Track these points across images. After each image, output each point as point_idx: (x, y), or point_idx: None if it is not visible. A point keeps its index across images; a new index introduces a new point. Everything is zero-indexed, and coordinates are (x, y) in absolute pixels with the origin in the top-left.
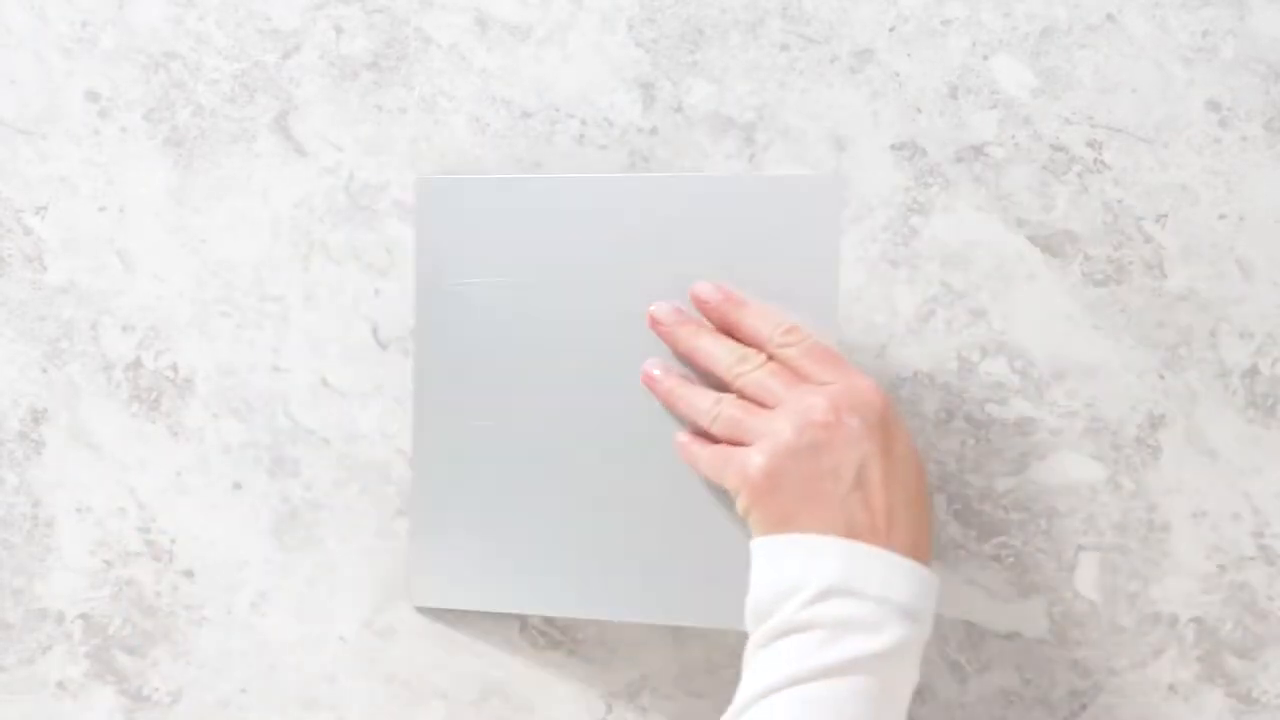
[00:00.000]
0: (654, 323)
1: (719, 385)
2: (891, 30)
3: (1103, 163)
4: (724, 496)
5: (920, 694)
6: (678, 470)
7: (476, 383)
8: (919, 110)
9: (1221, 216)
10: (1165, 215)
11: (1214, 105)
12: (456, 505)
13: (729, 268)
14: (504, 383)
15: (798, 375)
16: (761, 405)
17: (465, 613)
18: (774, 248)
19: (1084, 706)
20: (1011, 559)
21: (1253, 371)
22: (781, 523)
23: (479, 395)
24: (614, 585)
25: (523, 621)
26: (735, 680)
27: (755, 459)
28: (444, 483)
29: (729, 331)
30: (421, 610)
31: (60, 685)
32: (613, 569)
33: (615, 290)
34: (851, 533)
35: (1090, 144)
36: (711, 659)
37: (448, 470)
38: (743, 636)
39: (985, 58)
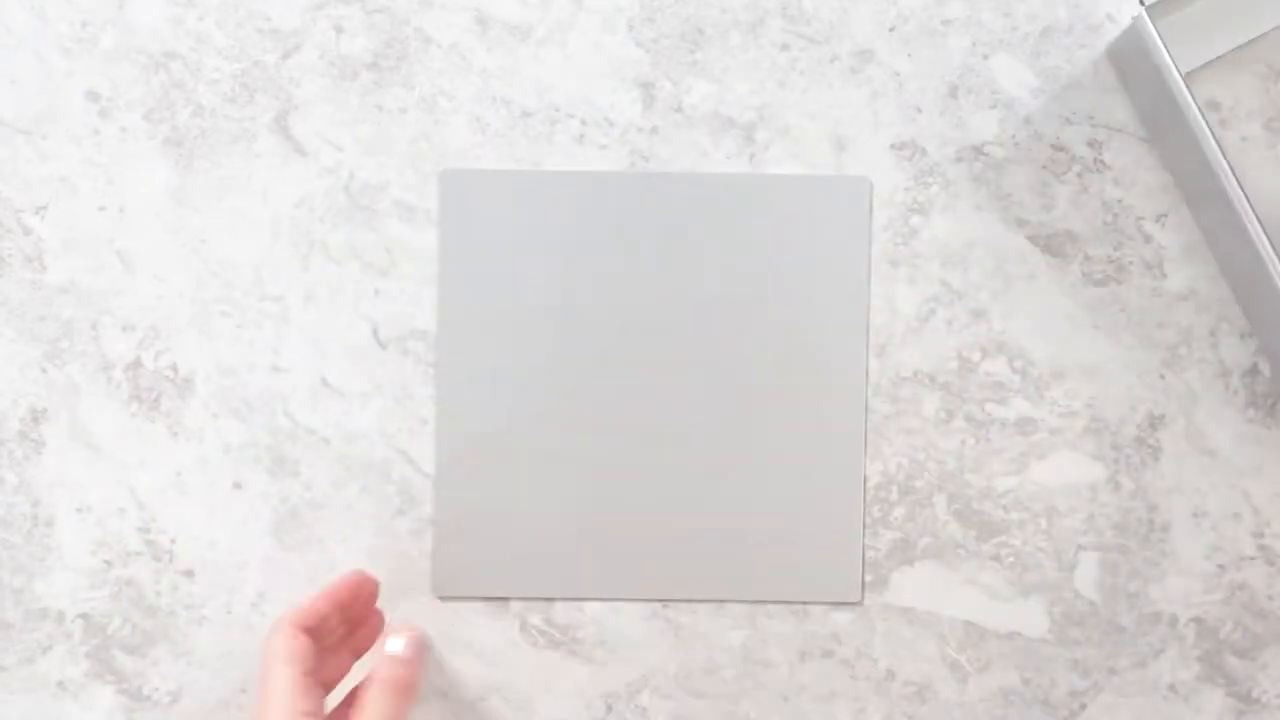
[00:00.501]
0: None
1: None
2: (891, 30)
3: (1102, 163)
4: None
5: (920, 694)
6: (690, 459)
7: (497, 376)
8: (919, 110)
9: None
10: (1165, 215)
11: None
12: (478, 498)
13: (755, 266)
14: (525, 377)
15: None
16: None
17: (465, 613)
18: (805, 248)
19: (1084, 706)
20: (1011, 559)
21: (1253, 371)
22: None
23: (499, 389)
24: (630, 569)
25: (523, 621)
26: (735, 681)
27: None
28: (465, 477)
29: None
30: (423, 608)
31: (60, 685)
32: (628, 553)
33: (638, 285)
34: None
35: (1090, 144)
36: (712, 659)
37: (469, 464)
38: (746, 628)
39: (985, 57)
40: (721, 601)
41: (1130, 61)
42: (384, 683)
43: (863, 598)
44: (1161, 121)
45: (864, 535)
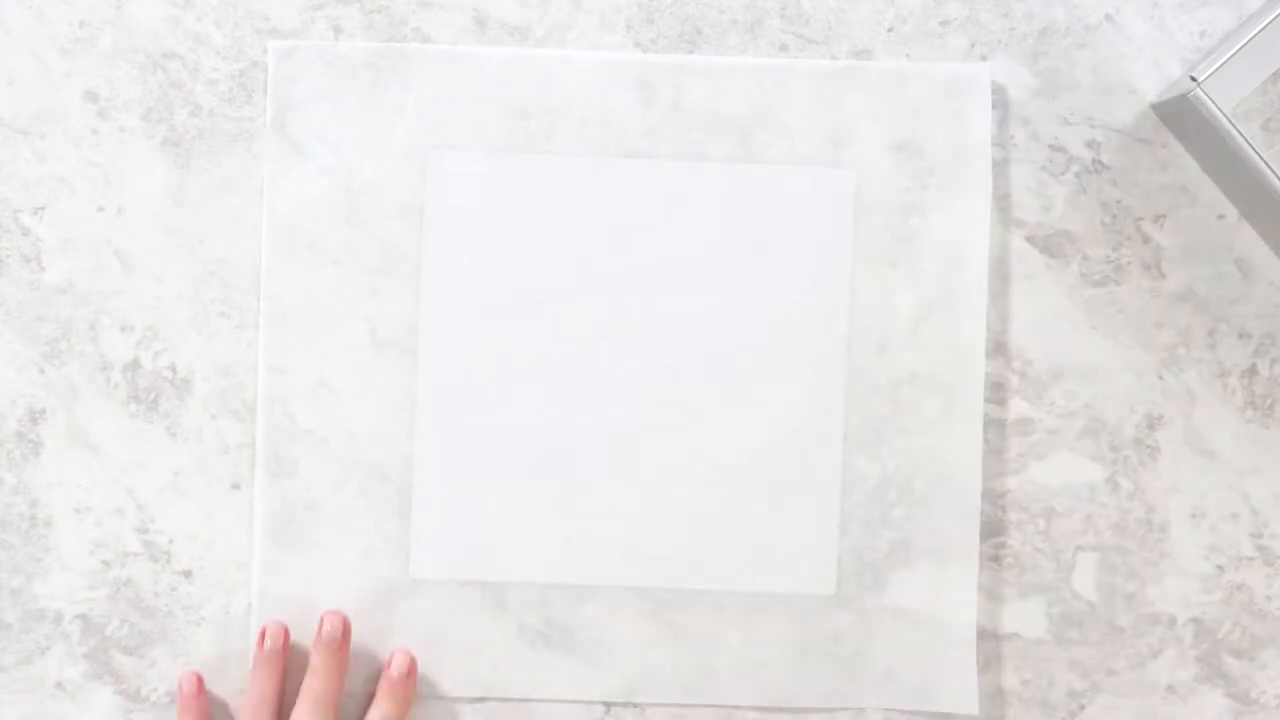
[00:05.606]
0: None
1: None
2: (890, 31)
3: (1101, 163)
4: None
5: (920, 694)
6: (671, 448)
7: (479, 361)
8: (917, 110)
9: (1220, 217)
10: (1164, 215)
11: None
12: (456, 484)
13: (741, 258)
14: (506, 364)
15: None
16: None
17: (464, 614)
18: (789, 240)
19: (1082, 707)
20: (1010, 559)
21: (1251, 372)
22: None
23: (481, 373)
24: (607, 556)
25: (521, 622)
26: (734, 680)
27: None
28: (445, 460)
29: None
30: (420, 608)
31: (58, 686)
32: (607, 541)
33: (625, 275)
34: None
35: (1089, 144)
36: (710, 661)
37: (449, 448)
38: (740, 632)
39: (984, 58)
40: (697, 590)
41: (1182, 118)
42: (387, 690)
43: (838, 590)
44: (1221, 161)
45: (840, 528)
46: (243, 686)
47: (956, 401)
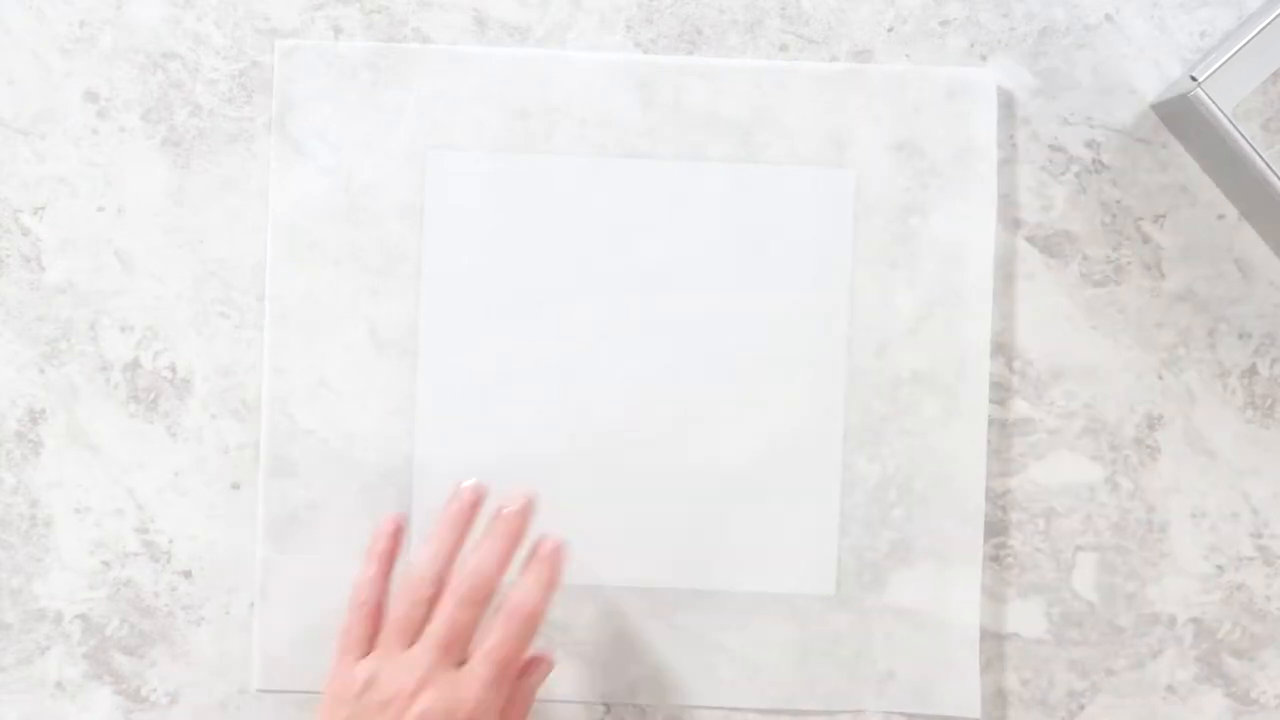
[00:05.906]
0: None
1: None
2: (890, 31)
3: (1101, 163)
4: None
5: (920, 694)
6: (671, 449)
7: (479, 361)
8: (918, 110)
9: (1220, 217)
10: (1164, 215)
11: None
12: (456, 478)
13: (741, 258)
14: (506, 364)
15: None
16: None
17: None
18: (789, 240)
19: (1082, 707)
20: (1010, 559)
21: (1251, 372)
22: None
23: (481, 373)
24: (607, 556)
25: None
26: (734, 681)
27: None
28: (444, 462)
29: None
30: None
31: (58, 686)
32: (607, 541)
33: (623, 272)
34: None
35: (1089, 144)
36: (710, 661)
37: (449, 443)
38: (741, 633)
39: (984, 58)
40: (697, 590)
41: (1182, 118)
42: (509, 611)
43: (838, 590)
44: (1221, 161)
45: (840, 528)
46: (242, 687)
47: (958, 401)
